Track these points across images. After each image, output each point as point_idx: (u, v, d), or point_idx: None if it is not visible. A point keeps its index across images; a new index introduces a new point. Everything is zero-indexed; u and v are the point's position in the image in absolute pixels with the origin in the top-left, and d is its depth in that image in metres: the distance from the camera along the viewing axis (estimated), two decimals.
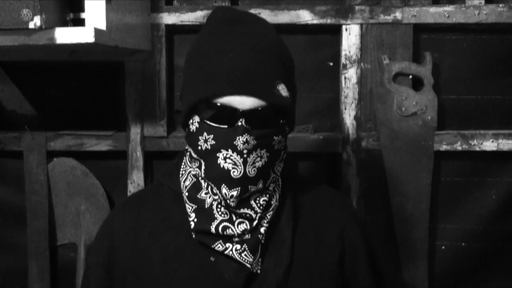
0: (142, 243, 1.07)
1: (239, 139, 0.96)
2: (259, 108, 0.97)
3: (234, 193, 0.99)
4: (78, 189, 1.67)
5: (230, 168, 0.98)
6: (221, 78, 0.96)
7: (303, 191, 1.14)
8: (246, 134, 0.96)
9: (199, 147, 1.00)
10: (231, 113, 0.97)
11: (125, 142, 1.63)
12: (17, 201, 1.71)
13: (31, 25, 1.15)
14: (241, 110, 0.96)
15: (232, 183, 0.98)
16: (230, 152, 0.97)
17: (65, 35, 1.19)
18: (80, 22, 1.27)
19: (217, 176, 0.99)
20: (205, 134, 0.99)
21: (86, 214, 1.67)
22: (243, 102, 0.96)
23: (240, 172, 0.98)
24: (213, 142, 0.98)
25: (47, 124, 1.66)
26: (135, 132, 1.62)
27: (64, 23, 1.25)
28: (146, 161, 1.64)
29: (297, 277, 1.05)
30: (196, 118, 1.01)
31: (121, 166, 1.66)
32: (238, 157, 0.97)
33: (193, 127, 1.02)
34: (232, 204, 1.00)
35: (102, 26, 1.24)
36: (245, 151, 0.97)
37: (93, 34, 1.18)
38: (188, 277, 1.04)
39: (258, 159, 0.99)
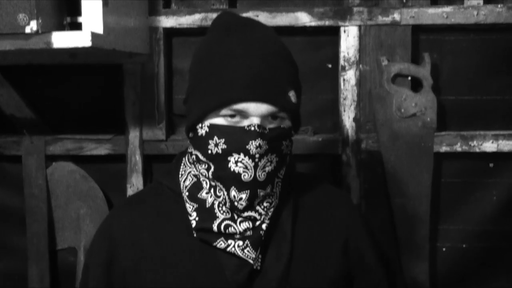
0: (142, 241, 1.07)
1: (252, 143, 0.97)
2: (272, 114, 1.00)
3: (243, 195, 1.00)
4: (78, 193, 1.67)
5: (241, 172, 0.99)
6: (242, 84, 0.97)
7: (301, 187, 1.15)
8: (259, 139, 0.97)
9: (209, 151, 1.01)
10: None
11: (124, 145, 1.63)
12: (17, 205, 1.71)
13: (28, 30, 1.14)
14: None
15: (241, 186, 1.00)
16: (242, 156, 0.98)
17: (62, 39, 1.19)
18: (77, 26, 1.27)
19: (227, 179, 1.00)
20: (215, 138, 1.00)
21: (85, 218, 1.67)
22: (258, 108, 0.98)
23: (251, 176, 0.99)
24: (225, 146, 0.99)
25: (46, 128, 1.66)
26: (134, 135, 1.62)
27: (61, 27, 1.25)
28: (145, 164, 1.64)
29: (298, 272, 1.06)
30: (206, 122, 1.01)
31: (120, 170, 1.65)
32: (250, 161, 0.98)
33: (202, 131, 1.02)
34: (240, 207, 1.01)
35: (99, 30, 1.24)
36: (257, 155, 0.98)
37: (90, 38, 1.18)
38: (189, 275, 1.04)
39: (268, 163, 1.00)
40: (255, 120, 0.98)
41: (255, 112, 0.98)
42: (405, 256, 1.60)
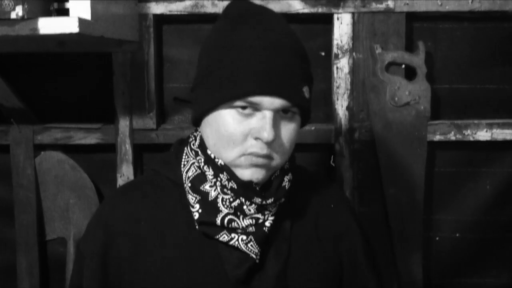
0: (140, 231, 1.05)
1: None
2: (284, 108, 1.00)
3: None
4: (67, 183, 1.65)
5: None
6: (258, 77, 0.96)
7: (302, 183, 1.15)
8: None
9: None
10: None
11: (114, 135, 1.60)
12: (5, 196, 1.69)
13: (13, 15, 1.12)
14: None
15: None
16: None
17: (48, 26, 1.16)
18: (65, 12, 1.24)
19: None
20: None
21: (75, 208, 1.65)
22: (272, 102, 0.97)
23: None
24: None
25: (34, 117, 1.63)
26: (123, 124, 1.60)
27: (48, 13, 1.21)
28: (135, 154, 1.62)
29: (296, 268, 1.06)
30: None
31: (110, 159, 1.63)
32: None
33: None
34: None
35: (87, 16, 1.21)
36: None
37: (77, 24, 1.15)
38: (187, 267, 1.03)
39: None
40: (268, 114, 0.97)
41: (268, 105, 0.97)
42: (398, 247, 1.60)
